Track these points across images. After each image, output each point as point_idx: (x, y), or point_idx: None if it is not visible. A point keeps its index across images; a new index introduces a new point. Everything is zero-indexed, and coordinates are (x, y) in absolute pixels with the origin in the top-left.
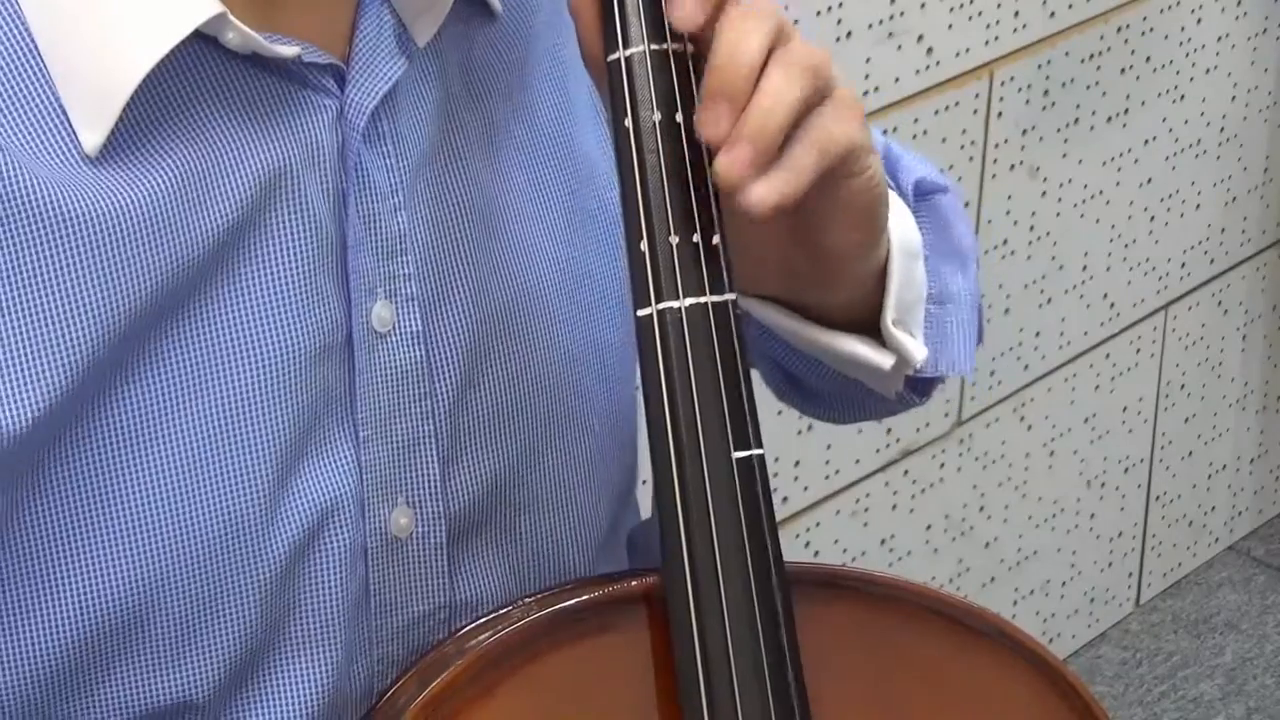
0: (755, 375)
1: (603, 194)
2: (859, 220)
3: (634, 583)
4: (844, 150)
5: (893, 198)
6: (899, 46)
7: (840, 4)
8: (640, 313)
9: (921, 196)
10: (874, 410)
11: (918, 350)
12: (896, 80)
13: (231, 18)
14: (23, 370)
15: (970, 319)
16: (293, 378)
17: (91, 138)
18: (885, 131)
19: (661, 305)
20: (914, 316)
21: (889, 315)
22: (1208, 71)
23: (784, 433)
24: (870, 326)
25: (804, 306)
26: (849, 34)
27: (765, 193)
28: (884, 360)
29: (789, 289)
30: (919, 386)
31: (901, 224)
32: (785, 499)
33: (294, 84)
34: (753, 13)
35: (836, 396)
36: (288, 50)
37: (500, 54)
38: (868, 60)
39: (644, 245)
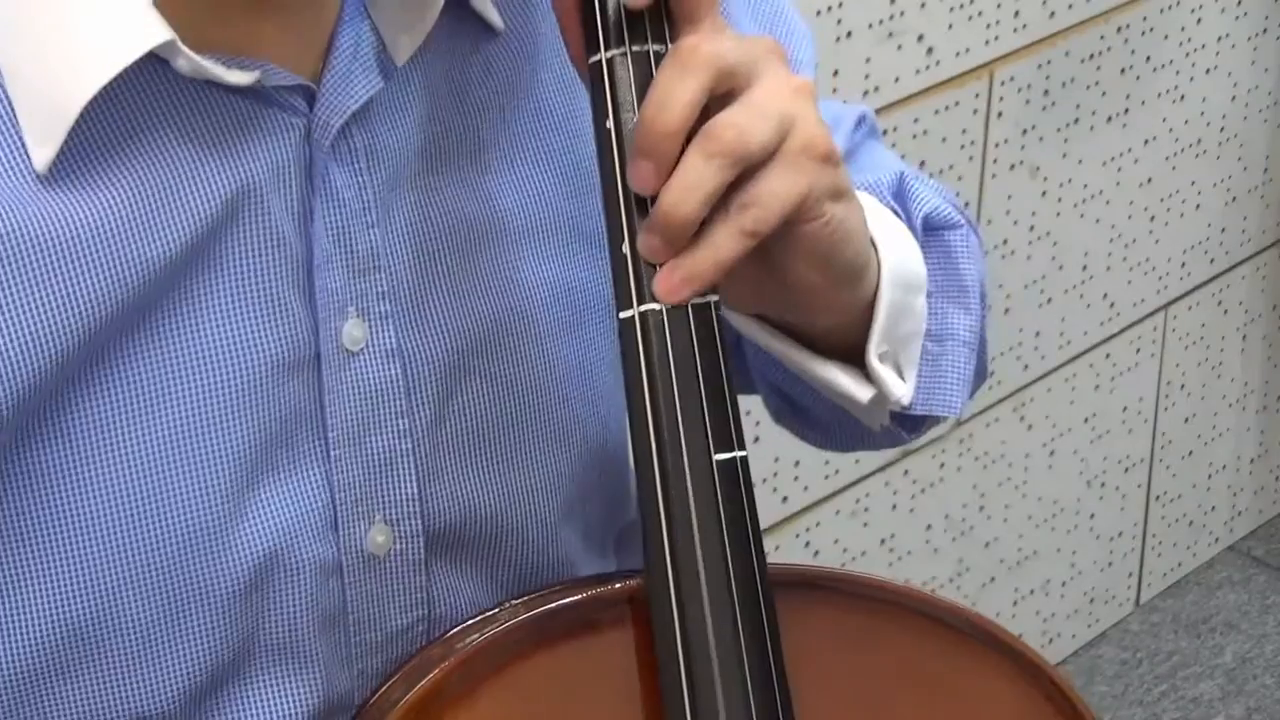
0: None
1: (599, 206)
2: (817, 263)
3: (618, 584)
4: (781, 214)
5: (898, 229)
6: (899, 46)
7: (840, 4)
8: (622, 315)
9: (931, 232)
10: (867, 441)
11: (898, 388)
12: (896, 80)
13: (181, 45)
14: None
15: (967, 361)
16: (255, 394)
17: (41, 155)
18: (885, 132)
19: (644, 307)
20: (908, 351)
21: (873, 348)
22: (1208, 71)
23: (784, 433)
24: (858, 354)
25: (788, 328)
26: (849, 34)
27: (670, 286)
28: (862, 393)
29: (768, 310)
30: (907, 423)
31: (903, 256)
32: (785, 499)
33: (258, 103)
34: (693, 60)
35: (831, 423)
36: (244, 78)
37: (499, 71)
38: (868, 60)
39: (625, 247)
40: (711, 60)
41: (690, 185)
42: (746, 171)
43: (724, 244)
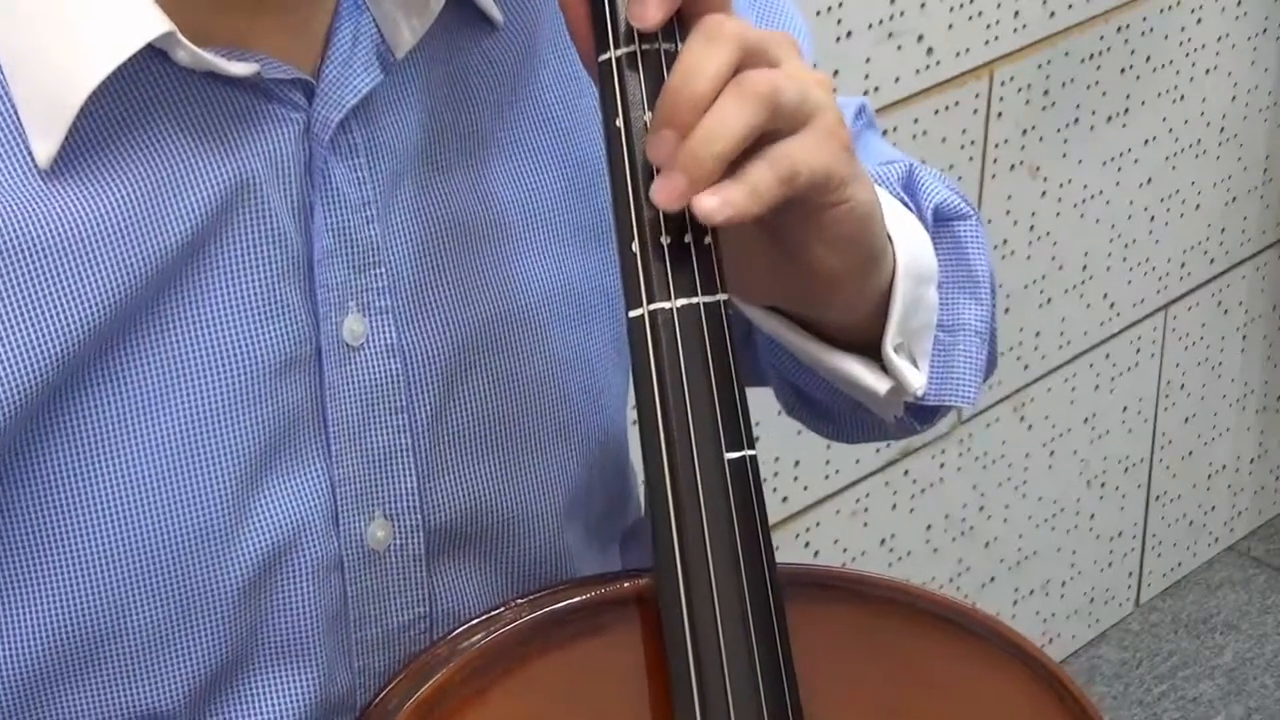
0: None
1: (602, 202)
2: (839, 248)
3: (626, 584)
4: (810, 180)
5: (909, 221)
6: (899, 46)
7: (840, 4)
8: (632, 314)
9: (941, 222)
10: (879, 432)
11: (915, 379)
12: (896, 80)
13: (180, 36)
14: None
15: (979, 350)
16: (257, 390)
17: (43, 150)
18: (885, 132)
19: (653, 306)
20: (921, 343)
21: (889, 340)
22: (1208, 71)
23: (784, 433)
24: (872, 347)
25: (805, 320)
26: (849, 34)
27: (715, 204)
28: (880, 385)
29: (785, 301)
30: (920, 413)
31: (916, 248)
32: (785, 499)
33: (257, 97)
34: (720, 32)
35: (844, 415)
36: (244, 69)
37: (498, 65)
38: (868, 60)
39: (635, 246)
40: (738, 34)
41: (723, 123)
42: (776, 134)
43: (761, 179)
